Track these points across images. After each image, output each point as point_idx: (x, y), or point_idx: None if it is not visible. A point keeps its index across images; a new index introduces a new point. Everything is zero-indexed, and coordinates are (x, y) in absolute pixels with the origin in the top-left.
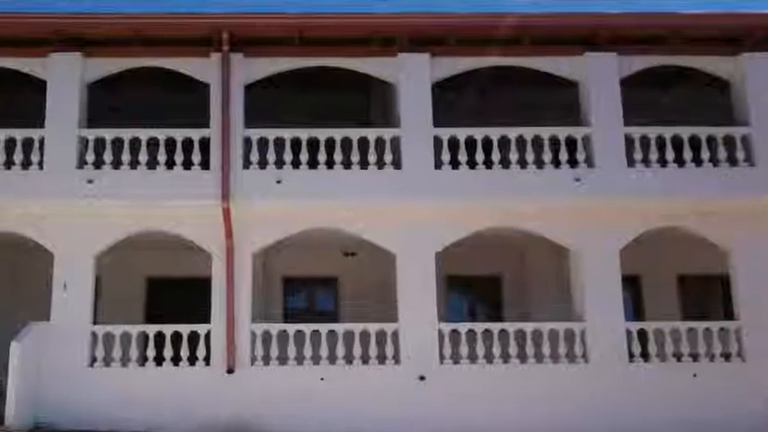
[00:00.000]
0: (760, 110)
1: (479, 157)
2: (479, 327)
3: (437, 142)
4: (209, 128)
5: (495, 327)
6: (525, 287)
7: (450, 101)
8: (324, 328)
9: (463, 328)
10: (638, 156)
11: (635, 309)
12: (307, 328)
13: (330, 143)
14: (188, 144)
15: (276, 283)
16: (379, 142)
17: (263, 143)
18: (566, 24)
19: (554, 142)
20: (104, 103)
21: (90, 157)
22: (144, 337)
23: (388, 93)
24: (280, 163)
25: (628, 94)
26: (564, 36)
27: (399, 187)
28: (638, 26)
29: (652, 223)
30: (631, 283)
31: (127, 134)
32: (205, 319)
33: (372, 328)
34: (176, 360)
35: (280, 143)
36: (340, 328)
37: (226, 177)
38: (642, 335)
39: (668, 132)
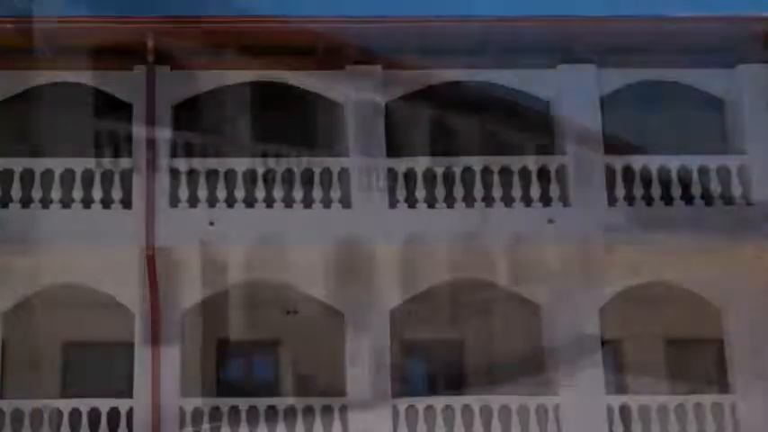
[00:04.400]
0: (758, 135)
1: (440, 192)
2: (439, 402)
3: (391, 175)
4: (130, 157)
5: (457, 402)
6: (491, 352)
7: (405, 123)
8: (262, 403)
9: (421, 403)
10: (620, 192)
11: (616, 379)
12: (243, 403)
13: (269, 176)
14: (109, 176)
15: (209, 348)
16: (326, 174)
17: (193, 176)
18: (536, 29)
19: (524, 175)
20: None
21: None
22: (58, 415)
23: (333, 113)
24: (212, 200)
25: (606, 115)
26: (534, 45)
27: (349, 230)
28: (619, 33)
29: (636, 276)
30: (612, 348)
31: (38, 165)
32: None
33: (317, 403)
34: None
35: (212, 176)
36: (281, 403)
37: (150, 218)
38: (625, 411)
39: (654, 162)
